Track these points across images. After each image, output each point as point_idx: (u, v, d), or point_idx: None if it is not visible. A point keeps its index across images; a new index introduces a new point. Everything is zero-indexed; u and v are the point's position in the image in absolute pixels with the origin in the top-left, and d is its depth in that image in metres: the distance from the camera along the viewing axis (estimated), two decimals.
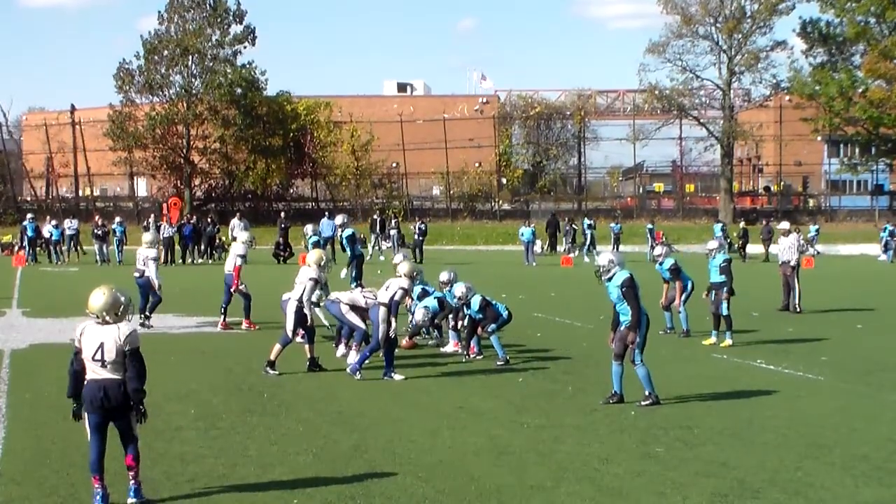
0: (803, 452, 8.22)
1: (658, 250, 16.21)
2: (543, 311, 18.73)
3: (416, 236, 35.99)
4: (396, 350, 11.99)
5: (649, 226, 40.49)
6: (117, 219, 35.79)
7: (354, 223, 38.99)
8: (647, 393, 10.06)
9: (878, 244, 40.97)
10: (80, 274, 29.37)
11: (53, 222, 36.72)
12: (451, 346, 13.75)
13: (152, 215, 36.63)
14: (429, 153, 57.17)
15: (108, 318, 6.73)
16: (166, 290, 18.52)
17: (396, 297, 11.59)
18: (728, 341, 14.26)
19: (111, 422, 6.74)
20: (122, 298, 6.81)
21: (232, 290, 16.09)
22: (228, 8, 54.20)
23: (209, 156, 56.10)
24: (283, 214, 39.70)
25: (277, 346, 12.04)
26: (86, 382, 6.69)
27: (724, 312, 14.38)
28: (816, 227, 43.68)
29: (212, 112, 54.04)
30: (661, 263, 15.52)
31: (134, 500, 6.65)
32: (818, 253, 40.06)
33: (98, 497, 6.64)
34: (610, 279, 10.12)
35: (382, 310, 11.55)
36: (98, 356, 6.63)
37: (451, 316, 13.66)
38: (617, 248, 38.21)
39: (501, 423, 9.27)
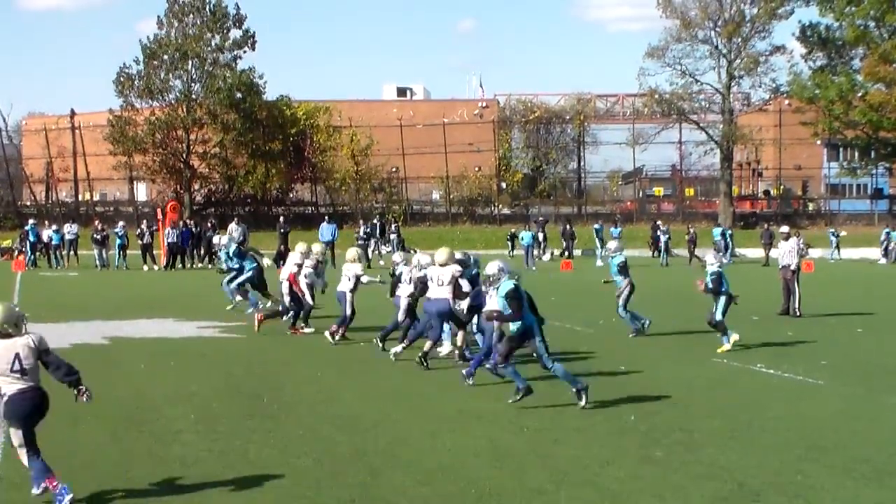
0: (803, 455, 8.21)
1: (612, 244, 16.67)
2: (543, 314, 18.65)
3: (358, 240, 35.42)
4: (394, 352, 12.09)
5: (662, 228, 40.23)
6: (120, 223, 35.77)
7: (353, 227, 39.04)
8: (574, 390, 10.01)
9: (878, 248, 41.02)
10: (80, 279, 29.40)
11: (54, 227, 36.74)
12: (447, 348, 13.69)
13: (145, 221, 36.55)
14: (428, 157, 57.22)
15: (10, 330, 6.81)
16: (167, 293, 18.62)
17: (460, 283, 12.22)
18: (725, 346, 14.18)
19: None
20: (17, 310, 6.96)
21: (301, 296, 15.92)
22: (228, 12, 54.21)
23: (209, 160, 56.10)
24: (281, 219, 39.66)
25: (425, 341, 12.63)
26: (6, 399, 6.70)
27: (717, 318, 14.31)
28: (833, 230, 43.71)
29: (211, 116, 54.04)
30: (612, 258, 15.96)
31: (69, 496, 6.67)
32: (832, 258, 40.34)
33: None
34: (497, 288, 10.08)
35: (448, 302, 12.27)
36: (16, 367, 6.70)
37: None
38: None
39: (501, 426, 9.27)
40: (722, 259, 16.11)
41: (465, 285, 12.48)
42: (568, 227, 42.03)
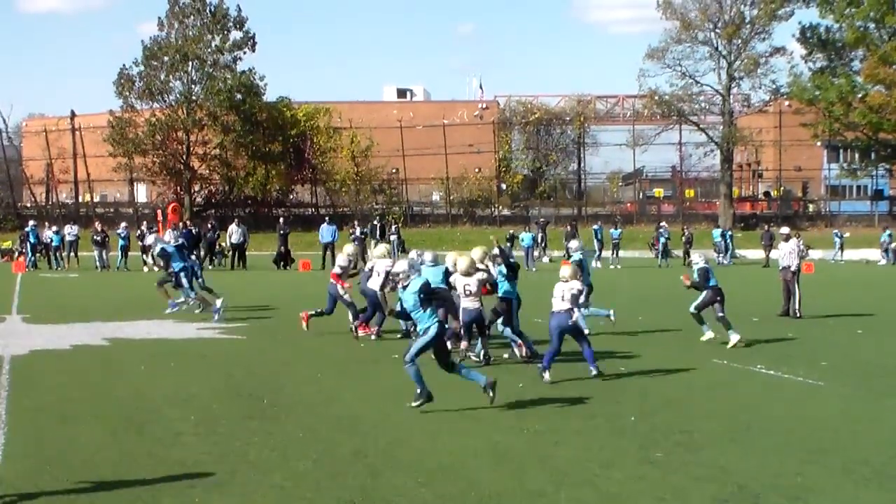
0: (803, 457, 8.21)
1: (573, 243, 16.61)
2: (543, 316, 18.61)
3: (353, 241, 35.15)
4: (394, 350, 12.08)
5: (661, 230, 40.00)
6: (122, 224, 35.86)
7: (351, 228, 38.86)
8: (418, 391, 9.80)
9: (878, 249, 41.10)
10: (80, 280, 29.41)
11: (54, 228, 36.75)
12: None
13: (145, 222, 36.55)
14: (428, 159, 57.23)
15: None
16: (168, 296, 18.55)
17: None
18: (707, 335, 14.94)
19: None
20: None
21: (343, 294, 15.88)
22: (229, 14, 54.23)
23: (209, 162, 56.13)
24: (281, 220, 39.64)
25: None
26: None
27: (691, 310, 15.04)
28: (837, 232, 43.71)
29: (211, 118, 54.05)
30: (569, 257, 16.09)
31: None
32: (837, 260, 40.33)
33: None
34: (406, 287, 9.97)
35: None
36: None
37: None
38: (617, 254, 38.29)
39: (501, 427, 9.26)
40: (708, 256, 16.92)
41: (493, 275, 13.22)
42: (569, 228, 42.05)
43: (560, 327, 11.65)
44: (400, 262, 10.46)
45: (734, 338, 14.50)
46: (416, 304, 9.83)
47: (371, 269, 15.34)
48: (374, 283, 15.00)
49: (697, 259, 15.46)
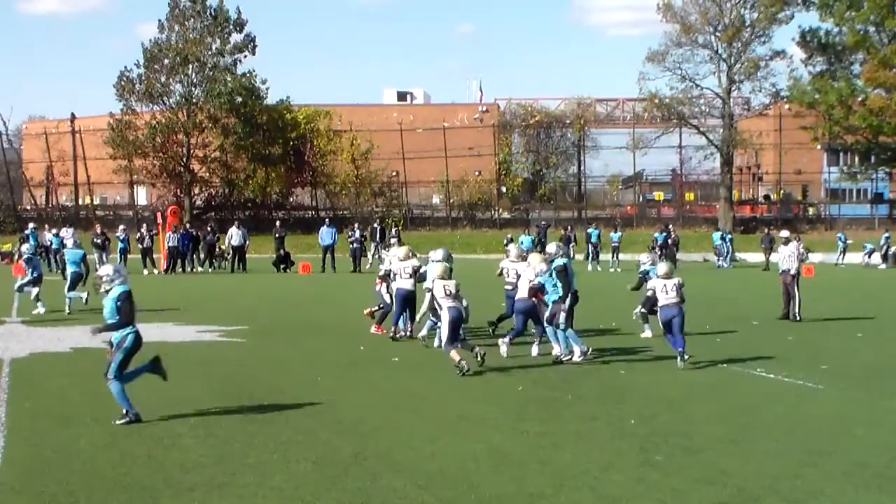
0: (803, 460, 8.21)
1: (551, 248, 14.69)
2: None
3: (351, 244, 35.29)
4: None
5: (661, 233, 39.72)
6: (121, 227, 35.85)
7: (350, 230, 38.88)
8: (123, 411, 9.47)
9: (878, 252, 41.13)
10: None
11: (54, 231, 36.72)
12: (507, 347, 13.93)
13: (145, 225, 36.52)
14: (428, 162, 57.22)
15: None
16: (167, 297, 18.55)
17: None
18: (646, 334, 15.82)
19: None
20: None
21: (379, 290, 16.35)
22: (229, 17, 54.21)
23: (209, 164, 56.08)
24: (278, 224, 39.56)
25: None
26: None
27: (640, 310, 15.96)
28: (841, 235, 43.60)
29: (212, 120, 54.04)
30: (551, 262, 13.85)
31: None
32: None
33: None
34: (108, 292, 9.62)
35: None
36: None
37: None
38: (617, 257, 38.24)
39: (501, 430, 9.26)
40: (656, 260, 17.57)
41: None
42: (565, 231, 41.98)
43: (671, 318, 13.07)
44: (105, 266, 10.19)
45: (648, 333, 15.79)
46: (112, 311, 9.57)
47: (396, 272, 15.60)
48: (408, 284, 15.32)
49: (645, 260, 16.78)
